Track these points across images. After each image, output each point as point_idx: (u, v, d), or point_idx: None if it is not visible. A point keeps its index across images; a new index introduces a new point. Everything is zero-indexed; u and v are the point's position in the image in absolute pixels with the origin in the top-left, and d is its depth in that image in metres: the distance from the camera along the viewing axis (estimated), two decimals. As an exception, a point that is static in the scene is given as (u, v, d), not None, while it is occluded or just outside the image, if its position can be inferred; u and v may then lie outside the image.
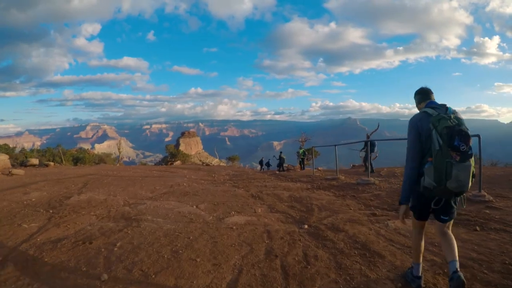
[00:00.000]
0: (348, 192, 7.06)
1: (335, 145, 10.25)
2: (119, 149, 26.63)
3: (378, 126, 16.24)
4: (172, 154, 33.47)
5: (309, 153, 21.27)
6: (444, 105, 2.21)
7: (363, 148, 12.10)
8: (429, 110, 2.19)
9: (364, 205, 5.69)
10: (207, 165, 24.07)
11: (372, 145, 10.92)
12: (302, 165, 17.95)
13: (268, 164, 20.13)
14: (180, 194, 6.93)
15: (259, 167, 23.15)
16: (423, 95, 2.39)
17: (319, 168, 16.27)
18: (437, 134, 2.02)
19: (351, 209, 5.38)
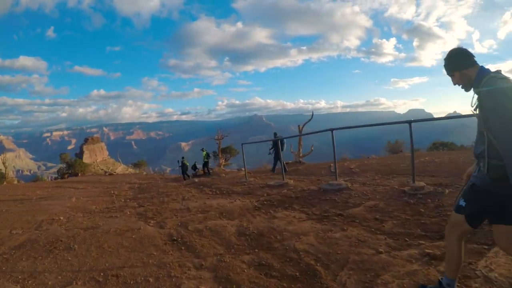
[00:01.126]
0: (326, 209, 4.63)
1: (275, 140, 8.22)
2: (4, 163, 23.72)
3: (312, 115, 14.92)
4: (69, 165, 30.35)
5: (228, 152, 19.24)
6: (500, 71, 1.74)
7: (272, 147, 11.06)
8: (504, 77, 1.66)
9: (384, 234, 3.33)
10: (110, 174, 21.14)
11: (282, 143, 10.10)
12: (207, 169, 15.86)
13: (194, 167, 17.36)
14: (39, 253, 3.63)
15: (191, 173, 19.53)
16: (471, 57, 1.79)
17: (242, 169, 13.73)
18: None
19: (377, 250, 2.90)
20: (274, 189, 6.73)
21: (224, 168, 20.11)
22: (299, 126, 14.18)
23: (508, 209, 1.68)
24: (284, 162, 9.67)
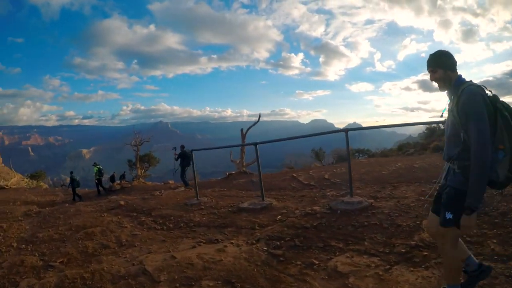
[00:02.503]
0: (385, 241, 3.28)
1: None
2: None
3: (259, 118, 13.37)
4: None
5: (147, 161, 16.81)
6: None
7: (178, 157, 10.22)
8: (479, 85, 1.86)
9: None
10: (1, 188, 17.16)
11: (188, 157, 9.31)
12: (99, 188, 13.56)
13: (113, 179, 15.13)
14: None
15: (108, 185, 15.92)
16: (456, 64, 1.95)
17: (178, 185, 10.99)
18: (509, 114, 1.74)
19: None
20: (259, 215, 4.89)
21: (144, 181, 16.68)
22: (242, 130, 12.52)
23: None
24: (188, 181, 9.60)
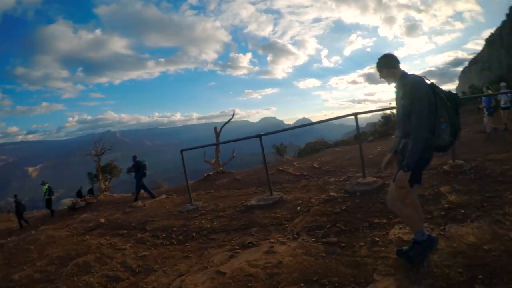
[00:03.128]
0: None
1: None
2: None
3: (234, 113, 12.93)
4: None
5: (109, 171, 16.45)
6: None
7: (131, 169, 9.87)
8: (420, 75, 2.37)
9: None
10: None
11: (143, 167, 9.42)
12: (50, 208, 12.47)
13: (80, 194, 14.00)
14: None
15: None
16: (398, 61, 2.44)
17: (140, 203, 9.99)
18: (446, 98, 2.27)
19: None
20: (275, 209, 4.67)
21: (110, 194, 15.11)
22: (215, 128, 12.06)
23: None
24: (151, 190, 9.54)
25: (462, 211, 3.34)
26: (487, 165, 4.88)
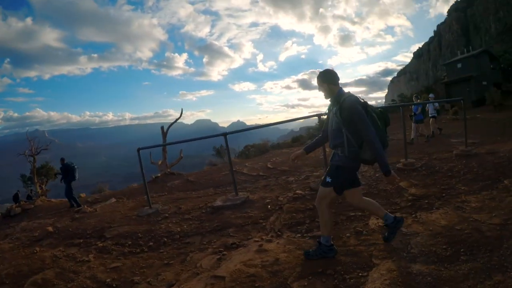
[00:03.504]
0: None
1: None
2: None
3: (181, 113, 12.07)
4: None
5: (45, 174, 15.91)
6: None
7: (59, 173, 9.46)
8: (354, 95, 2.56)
9: None
10: None
11: (72, 171, 8.59)
12: None
13: (29, 197, 13.44)
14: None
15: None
16: (338, 78, 2.58)
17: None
18: (376, 115, 2.47)
19: None
20: (245, 209, 4.51)
21: (48, 199, 12.80)
22: (162, 127, 11.17)
23: (356, 177, 2.62)
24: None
25: (426, 201, 3.72)
26: (434, 163, 5.55)
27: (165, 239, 3.95)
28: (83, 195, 10.75)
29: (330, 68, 2.72)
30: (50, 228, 5.24)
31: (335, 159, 2.54)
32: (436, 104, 10.97)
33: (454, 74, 25.36)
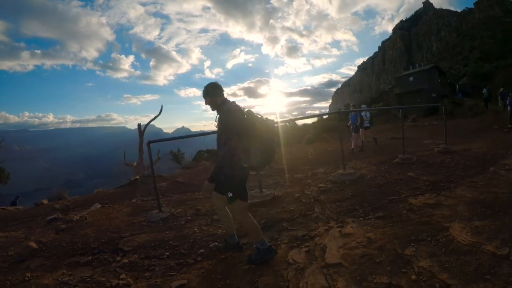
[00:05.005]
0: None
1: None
2: None
3: (161, 109, 11.64)
4: None
5: None
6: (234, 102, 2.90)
7: None
8: (239, 105, 2.82)
9: None
10: None
11: None
12: None
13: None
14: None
15: None
16: (221, 90, 2.87)
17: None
18: (260, 124, 2.68)
19: None
20: (281, 204, 4.74)
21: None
22: (139, 125, 10.78)
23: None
24: None
25: (441, 184, 4.59)
26: (424, 158, 6.61)
27: (216, 243, 3.59)
28: (45, 201, 9.52)
29: (214, 82, 2.93)
30: (33, 244, 4.13)
31: (221, 167, 2.74)
32: (368, 114, 11.07)
33: (406, 86, 28.75)
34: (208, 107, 2.89)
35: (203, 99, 2.86)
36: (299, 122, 21.85)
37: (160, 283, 2.82)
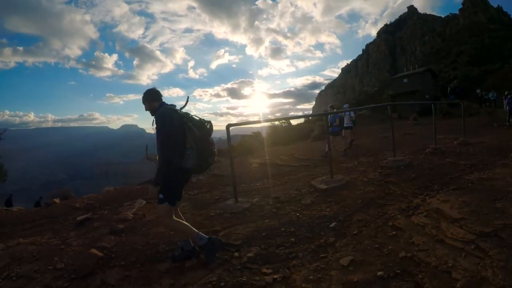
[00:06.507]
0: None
1: None
2: None
3: (188, 100, 12.27)
4: None
5: None
6: (175, 105, 3.03)
7: None
8: (173, 107, 2.94)
9: None
10: None
11: None
12: None
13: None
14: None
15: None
16: (158, 95, 3.03)
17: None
18: (194, 126, 2.81)
19: None
20: (359, 187, 5.16)
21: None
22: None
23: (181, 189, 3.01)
24: None
25: (480, 166, 5.76)
26: (450, 149, 7.81)
27: (336, 223, 3.75)
28: (57, 200, 8.45)
29: (151, 88, 3.07)
30: (95, 251, 3.32)
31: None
32: (352, 114, 10.85)
33: (400, 88, 30.61)
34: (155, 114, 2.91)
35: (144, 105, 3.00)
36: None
37: (323, 265, 2.83)
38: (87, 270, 3.02)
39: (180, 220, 3.02)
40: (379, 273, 2.58)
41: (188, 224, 3.02)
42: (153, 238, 3.85)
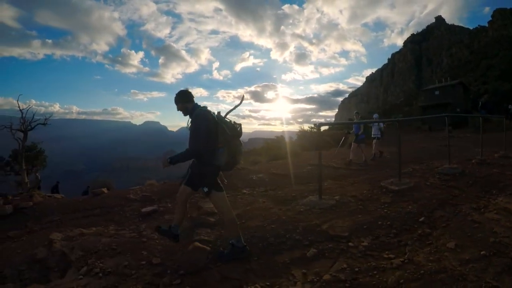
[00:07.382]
0: None
1: None
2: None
3: (243, 98, 13.23)
4: None
5: (35, 158, 13.97)
6: (206, 107, 3.23)
7: None
8: (206, 109, 3.14)
9: None
10: None
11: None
12: None
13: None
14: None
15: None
16: (191, 96, 3.22)
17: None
18: (227, 127, 2.99)
19: None
20: (427, 189, 5.69)
21: (42, 193, 10.16)
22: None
23: (214, 181, 3.16)
24: None
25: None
26: (493, 161, 8.16)
27: (424, 218, 4.19)
28: (105, 189, 8.40)
29: (184, 89, 3.21)
30: (199, 245, 3.35)
31: (191, 164, 3.18)
32: (381, 125, 10.79)
33: (431, 99, 30.70)
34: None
35: (175, 105, 3.18)
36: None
37: (435, 249, 3.27)
38: (200, 265, 2.84)
39: (185, 209, 3.29)
40: (482, 252, 3.20)
41: (182, 214, 3.31)
42: (255, 231, 3.87)
